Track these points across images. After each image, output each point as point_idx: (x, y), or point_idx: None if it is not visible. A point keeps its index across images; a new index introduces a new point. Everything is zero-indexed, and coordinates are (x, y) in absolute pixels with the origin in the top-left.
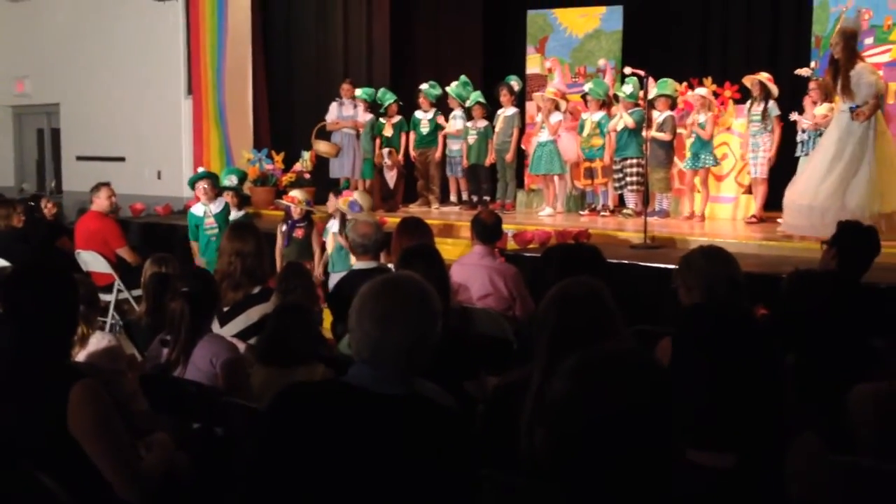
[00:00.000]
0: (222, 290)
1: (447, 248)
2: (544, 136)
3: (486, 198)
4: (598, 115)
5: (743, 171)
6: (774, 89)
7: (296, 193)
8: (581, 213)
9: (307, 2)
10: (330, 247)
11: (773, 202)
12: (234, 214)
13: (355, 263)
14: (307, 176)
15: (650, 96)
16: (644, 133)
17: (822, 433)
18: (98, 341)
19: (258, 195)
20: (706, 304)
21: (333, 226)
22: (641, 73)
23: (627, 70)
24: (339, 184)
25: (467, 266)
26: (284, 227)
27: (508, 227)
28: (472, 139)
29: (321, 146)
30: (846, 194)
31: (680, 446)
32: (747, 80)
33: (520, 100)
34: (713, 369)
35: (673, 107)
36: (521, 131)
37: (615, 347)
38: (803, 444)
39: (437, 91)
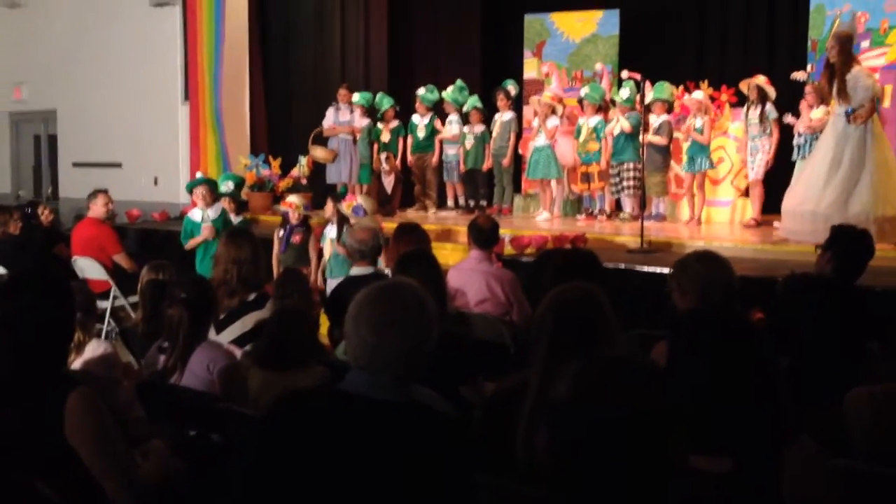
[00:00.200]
0: (219, 298)
1: (446, 253)
2: (541, 140)
3: (483, 202)
4: (595, 119)
5: (739, 174)
6: (772, 92)
7: (293, 199)
8: (578, 217)
9: (304, 8)
10: (327, 252)
11: (769, 205)
12: (235, 220)
13: (353, 269)
14: (304, 181)
15: (647, 100)
16: (641, 137)
17: (818, 437)
18: (94, 349)
19: (255, 201)
20: (702, 309)
21: (331, 231)
22: (638, 77)
23: (624, 74)
24: (337, 189)
25: (464, 271)
26: (282, 233)
27: (505, 232)
28: (469, 144)
29: (318, 152)
30: (849, 200)
31: (683, 452)
32: (744, 85)
33: (517, 104)
34: (710, 374)
35: (669, 111)
36: (519, 136)
37: (619, 352)
38: (800, 447)
39: (434, 96)
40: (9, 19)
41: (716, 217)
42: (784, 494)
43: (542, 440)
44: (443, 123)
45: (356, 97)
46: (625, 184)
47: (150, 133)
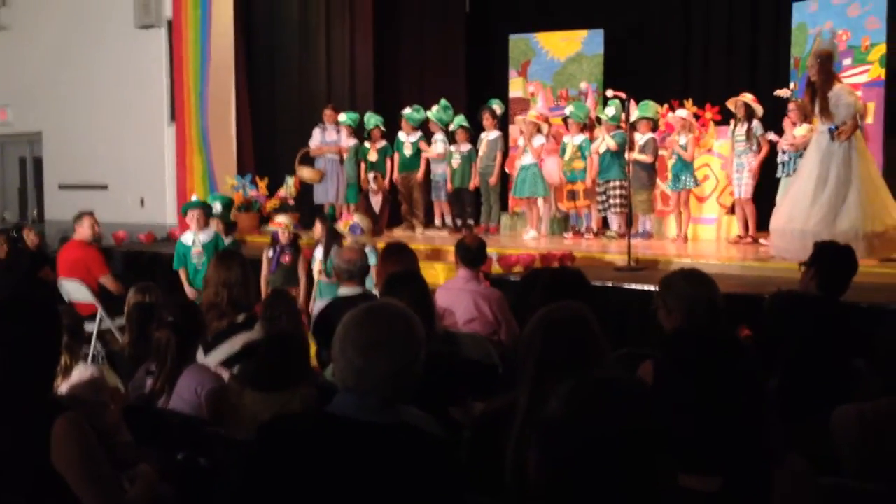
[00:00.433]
0: (208, 320)
1: (434, 273)
2: (527, 159)
3: (471, 221)
4: (580, 137)
5: (724, 191)
6: (759, 109)
7: (282, 218)
8: (565, 235)
9: (290, 28)
10: (316, 273)
11: (757, 222)
12: (226, 241)
13: (340, 290)
14: (291, 202)
15: (632, 119)
16: (626, 155)
17: (806, 454)
18: (82, 373)
19: (242, 221)
20: (688, 329)
21: (320, 252)
22: (623, 95)
23: (609, 93)
24: (325, 209)
25: (452, 290)
26: (271, 253)
27: (493, 251)
28: (455, 163)
29: (305, 172)
30: (837, 217)
31: (673, 471)
32: (731, 104)
33: (503, 123)
34: (697, 393)
35: (655, 129)
36: (505, 154)
37: (610, 371)
38: (790, 465)
39: (420, 115)
40: None
41: (702, 234)
42: None
43: (533, 459)
44: (428, 142)
45: (342, 117)
46: (611, 202)
47: (136, 154)
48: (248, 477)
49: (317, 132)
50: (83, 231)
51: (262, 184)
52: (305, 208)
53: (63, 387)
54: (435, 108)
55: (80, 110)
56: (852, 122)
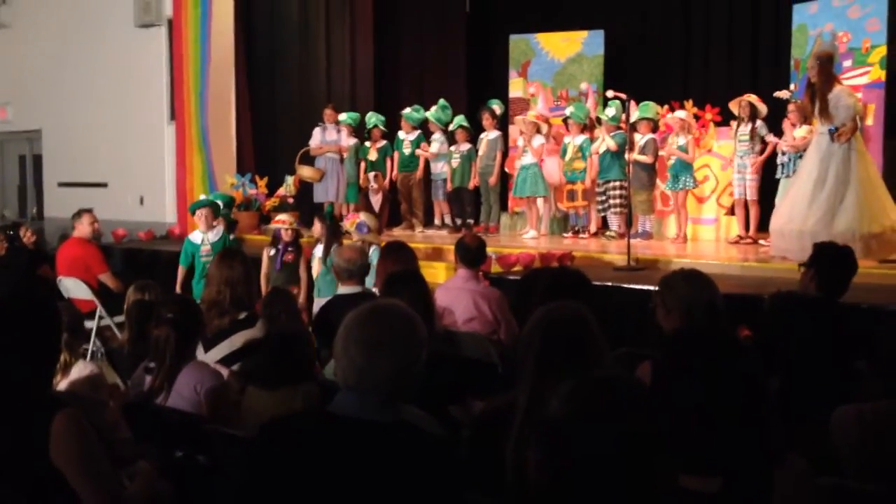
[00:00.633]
0: (209, 318)
1: (435, 273)
2: (528, 159)
3: (470, 221)
4: (580, 138)
5: (724, 192)
6: (763, 109)
7: (284, 216)
8: (564, 235)
9: (290, 27)
10: (316, 272)
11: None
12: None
13: (340, 288)
14: (291, 200)
15: (632, 119)
16: (626, 156)
17: (806, 455)
18: (81, 370)
19: (242, 220)
20: (688, 329)
21: (319, 251)
22: (623, 96)
23: (609, 93)
24: (324, 208)
25: (452, 290)
26: (273, 252)
27: (492, 250)
28: (455, 162)
29: (305, 171)
30: (835, 218)
31: (673, 471)
32: (734, 105)
33: (503, 123)
34: (697, 393)
35: (655, 130)
36: (505, 154)
37: (610, 371)
38: (790, 466)
39: (420, 115)
40: None
41: (702, 234)
42: None
43: (533, 458)
44: (428, 142)
45: (343, 116)
46: (611, 202)
47: (136, 153)
48: (250, 476)
49: (317, 132)
50: (83, 228)
51: (262, 183)
52: (305, 207)
53: (62, 384)
54: (434, 107)
55: (80, 108)
56: (852, 124)
